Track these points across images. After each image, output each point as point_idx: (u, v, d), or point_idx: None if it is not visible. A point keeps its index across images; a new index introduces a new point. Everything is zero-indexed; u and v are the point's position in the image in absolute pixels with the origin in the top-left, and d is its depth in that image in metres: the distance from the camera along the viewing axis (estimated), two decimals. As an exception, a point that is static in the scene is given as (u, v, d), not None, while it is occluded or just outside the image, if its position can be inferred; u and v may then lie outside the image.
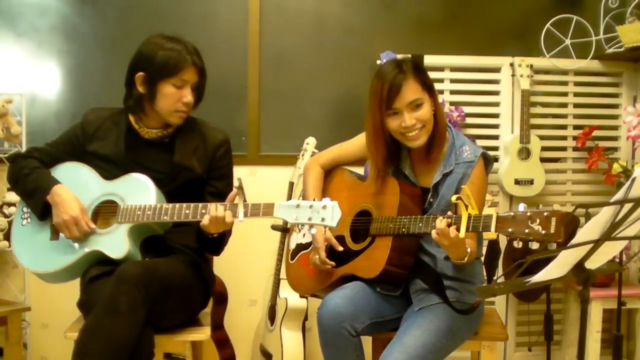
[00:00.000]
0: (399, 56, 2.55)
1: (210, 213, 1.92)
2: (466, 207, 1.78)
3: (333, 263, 2.12)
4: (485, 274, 2.25)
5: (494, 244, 2.17)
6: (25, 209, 2.16)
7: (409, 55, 2.09)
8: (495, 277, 2.54)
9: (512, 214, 1.73)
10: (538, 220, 1.67)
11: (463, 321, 2.03)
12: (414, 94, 1.98)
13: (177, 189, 2.11)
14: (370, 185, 2.17)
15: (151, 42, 2.08)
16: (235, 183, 1.88)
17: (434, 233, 1.84)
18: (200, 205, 1.97)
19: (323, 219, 1.81)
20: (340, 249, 2.12)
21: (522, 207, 1.72)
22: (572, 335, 3.13)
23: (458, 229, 1.79)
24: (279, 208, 1.86)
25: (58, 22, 3.12)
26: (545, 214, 1.67)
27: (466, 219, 1.78)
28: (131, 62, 2.11)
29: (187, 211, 1.98)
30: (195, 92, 2.12)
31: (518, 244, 1.72)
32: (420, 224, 1.95)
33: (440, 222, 1.82)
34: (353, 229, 2.16)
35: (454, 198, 1.79)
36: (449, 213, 1.85)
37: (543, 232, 1.66)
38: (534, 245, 1.69)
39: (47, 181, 2.09)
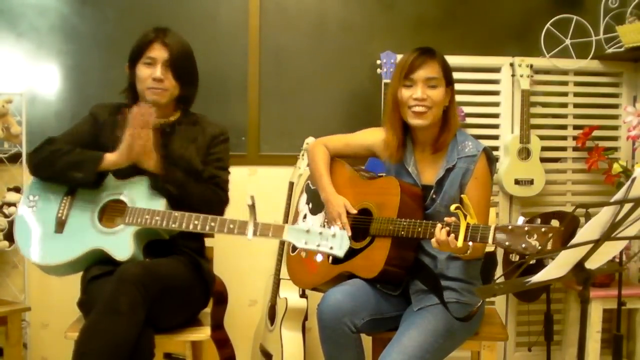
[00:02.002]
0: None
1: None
2: (465, 216, 1.78)
3: (349, 233, 2.10)
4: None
5: (490, 256, 2.16)
6: (31, 197, 2.14)
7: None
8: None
9: (510, 226, 1.72)
10: (535, 236, 1.67)
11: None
12: (433, 72, 2.05)
13: None
14: (372, 184, 2.19)
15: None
16: (248, 201, 1.88)
17: (433, 242, 1.85)
18: (210, 217, 1.97)
19: (331, 248, 1.81)
20: (355, 211, 2.13)
21: (520, 220, 1.72)
22: (572, 335, 3.13)
23: (456, 238, 1.79)
24: (289, 231, 1.86)
25: (58, 22, 3.12)
26: (543, 229, 1.67)
27: (464, 229, 1.78)
28: None
29: (196, 222, 1.98)
30: (171, 69, 2.13)
31: (514, 258, 1.72)
32: (419, 229, 1.95)
33: (440, 233, 1.82)
34: (354, 227, 2.16)
35: (452, 207, 1.79)
36: (447, 220, 1.85)
37: (540, 248, 1.66)
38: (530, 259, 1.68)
39: (95, 153, 2.08)
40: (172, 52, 2.13)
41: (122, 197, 2.07)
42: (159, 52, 2.12)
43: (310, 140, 3.02)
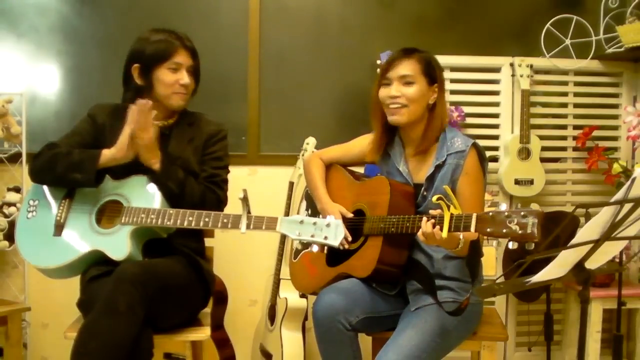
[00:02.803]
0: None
1: None
2: (448, 207, 1.78)
3: (350, 238, 2.11)
4: (482, 273, 2.25)
5: (474, 244, 2.16)
6: (32, 202, 2.15)
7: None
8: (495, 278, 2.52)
9: (490, 213, 1.72)
10: (515, 220, 1.67)
11: (458, 321, 2.03)
12: (408, 70, 2.07)
13: None
14: (365, 185, 2.20)
15: (140, 37, 2.16)
16: (240, 194, 1.88)
17: (420, 235, 1.85)
18: (204, 213, 1.98)
19: (326, 237, 1.81)
20: (350, 215, 2.14)
21: (503, 206, 1.72)
22: (572, 335, 3.13)
23: (441, 229, 1.80)
24: (282, 223, 1.86)
25: (58, 22, 3.12)
26: (522, 213, 1.66)
27: (448, 219, 1.78)
28: (125, 60, 2.17)
29: (190, 218, 1.98)
30: (192, 75, 2.17)
31: (498, 245, 1.72)
32: (408, 224, 1.95)
33: (426, 225, 1.82)
34: (349, 228, 2.16)
35: (434, 199, 1.79)
36: (432, 212, 1.84)
37: (520, 232, 1.66)
38: (514, 246, 1.68)
39: (92, 151, 2.07)
40: (194, 58, 2.17)
41: (118, 198, 2.08)
42: (184, 58, 2.13)
43: (310, 140, 3.03)
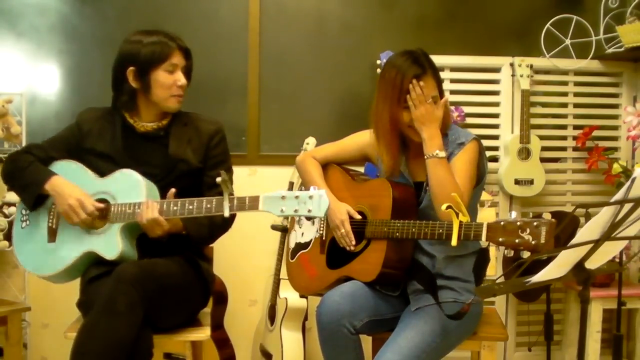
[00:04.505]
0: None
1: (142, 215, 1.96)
2: (457, 214, 1.77)
3: (354, 242, 2.09)
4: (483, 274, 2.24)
5: (483, 252, 2.15)
6: (24, 211, 2.16)
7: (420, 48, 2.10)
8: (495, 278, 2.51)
9: (502, 223, 1.71)
10: (528, 230, 1.66)
11: (458, 321, 2.02)
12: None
13: (174, 182, 2.10)
14: (365, 187, 2.18)
15: (131, 40, 2.14)
16: (218, 178, 1.84)
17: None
18: (187, 200, 1.96)
19: (310, 210, 1.76)
20: (359, 217, 2.10)
21: (513, 215, 1.71)
22: (572, 335, 3.13)
23: (450, 238, 1.79)
24: (265, 201, 1.82)
25: (58, 22, 3.12)
26: (535, 223, 1.65)
27: (457, 227, 1.78)
28: (115, 64, 2.16)
29: (174, 207, 1.97)
30: (187, 75, 2.17)
31: (509, 253, 1.71)
32: (414, 229, 1.95)
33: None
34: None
35: (444, 207, 1.78)
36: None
37: (533, 242, 1.65)
38: (525, 255, 1.67)
39: (44, 173, 2.08)
40: (188, 58, 2.16)
41: (104, 196, 2.07)
42: (179, 59, 2.12)
43: (310, 140, 3.03)
